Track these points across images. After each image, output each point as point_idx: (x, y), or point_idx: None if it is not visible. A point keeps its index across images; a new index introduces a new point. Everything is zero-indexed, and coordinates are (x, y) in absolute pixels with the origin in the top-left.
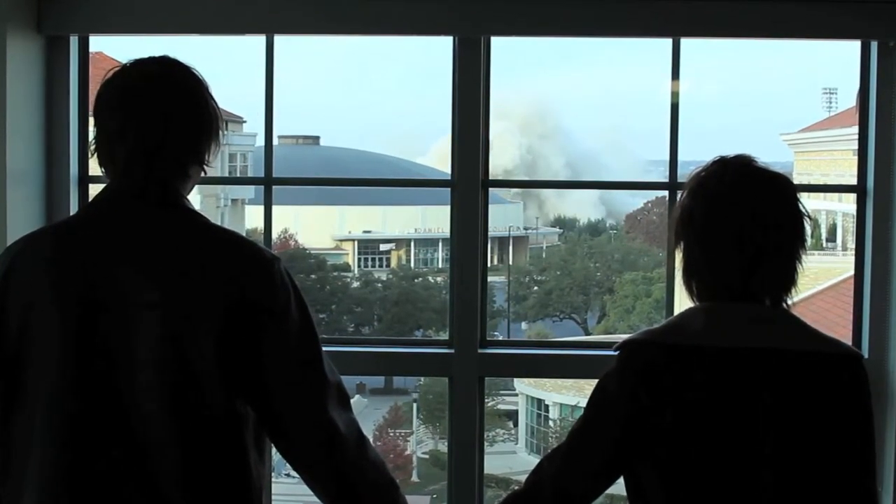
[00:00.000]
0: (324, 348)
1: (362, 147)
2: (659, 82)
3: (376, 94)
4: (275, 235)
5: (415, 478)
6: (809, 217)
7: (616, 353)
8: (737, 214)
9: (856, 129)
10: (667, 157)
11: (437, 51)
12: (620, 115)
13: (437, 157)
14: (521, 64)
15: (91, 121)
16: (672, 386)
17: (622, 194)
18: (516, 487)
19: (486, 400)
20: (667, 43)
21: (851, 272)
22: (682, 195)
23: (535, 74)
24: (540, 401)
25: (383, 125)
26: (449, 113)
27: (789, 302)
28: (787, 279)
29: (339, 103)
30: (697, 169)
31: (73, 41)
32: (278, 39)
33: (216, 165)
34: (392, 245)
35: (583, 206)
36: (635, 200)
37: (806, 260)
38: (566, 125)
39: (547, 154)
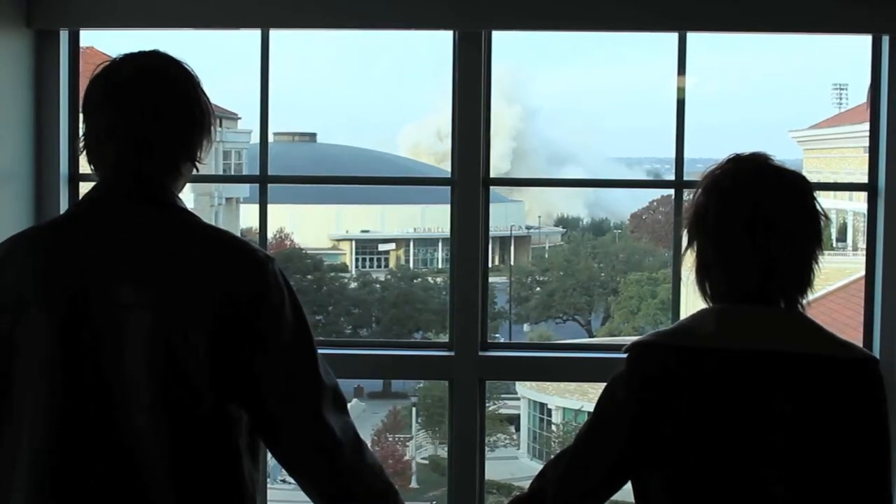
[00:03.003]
0: (320, 351)
1: (342, 142)
2: (660, 79)
3: (371, 89)
4: (270, 235)
5: (414, 484)
6: (826, 217)
7: (624, 355)
8: (752, 213)
9: (867, 126)
10: (650, 154)
11: (411, 41)
12: (618, 112)
13: (408, 148)
14: (512, 57)
15: (81, 117)
16: (681, 389)
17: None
18: (518, 493)
19: (487, 404)
20: (669, 38)
21: (862, 272)
22: (695, 193)
23: (526, 69)
24: (542, 405)
25: (355, 118)
26: (416, 100)
27: (804, 303)
28: (803, 280)
29: (336, 100)
30: (712, 166)
31: (64, 36)
32: (274, 34)
33: (210, 163)
34: (391, 245)
35: (569, 201)
36: (619, 196)
37: (821, 259)
38: (554, 121)
39: (533, 148)
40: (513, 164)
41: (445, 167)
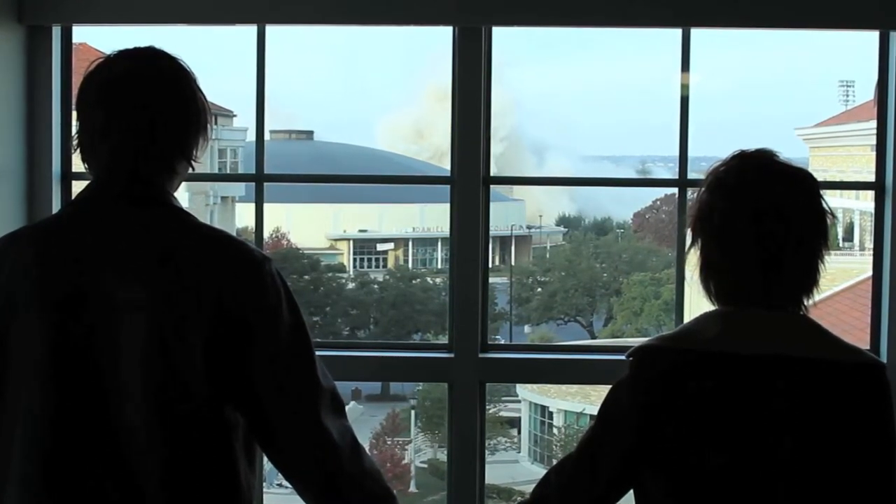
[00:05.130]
0: (317, 353)
1: (334, 140)
2: (663, 75)
3: (364, 86)
4: (266, 234)
5: (413, 488)
6: (833, 215)
7: (628, 360)
8: (757, 211)
9: (874, 124)
10: (637, 152)
11: (401, 37)
12: (614, 109)
13: (385, 141)
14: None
15: (74, 115)
16: (685, 394)
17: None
18: (521, 499)
19: (488, 406)
20: (673, 35)
21: (869, 273)
22: (699, 191)
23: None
24: (543, 407)
25: (347, 116)
26: (390, 92)
27: (809, 304)
28: (809, 280)
29: (333, 97)
30: (717, 164)
31: (56, 31)
32: (270, 29)
33: (205, 161)
34: (389, 245)
35: (554, 199)
36: (607, 194)
37: (827, 259)
38: (541, 118)
39: (520, 144)
40: (500, 162)
41: (424, 165)
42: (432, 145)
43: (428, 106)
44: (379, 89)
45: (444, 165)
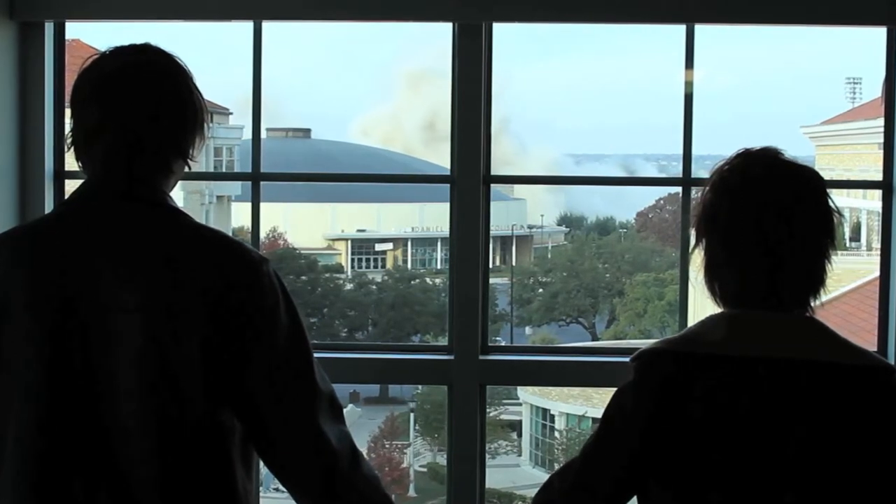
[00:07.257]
0: (315, 355)
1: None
2: (662, 73)
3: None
4: (263, 234)
5: (412, 492)
6: (840, 214)
7: (632, 364)
8: (762, 210)
9: (881, 122)
10: (623, 150)
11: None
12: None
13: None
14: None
15: (67, 113)
16: (691, 398)
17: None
18: None
19: (488, 409)
20: (676, 31)
21: (876, 273)
22: (703, 190)
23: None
24: (545, 410)
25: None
26: (368, 88)
27: (816, 304)
28: (815, 280)
29: (331, 94)
30: (721, 162)
31: (49, 28)
32: (267, 26)
33: (200, 160)
34: (388, 244)
35: (537, 197)
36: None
37: (833, 259)
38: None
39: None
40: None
41: (424, 164)
42: (410, 139)
43: (404, 97)
44: (365, 83)
45: (420, 156)
